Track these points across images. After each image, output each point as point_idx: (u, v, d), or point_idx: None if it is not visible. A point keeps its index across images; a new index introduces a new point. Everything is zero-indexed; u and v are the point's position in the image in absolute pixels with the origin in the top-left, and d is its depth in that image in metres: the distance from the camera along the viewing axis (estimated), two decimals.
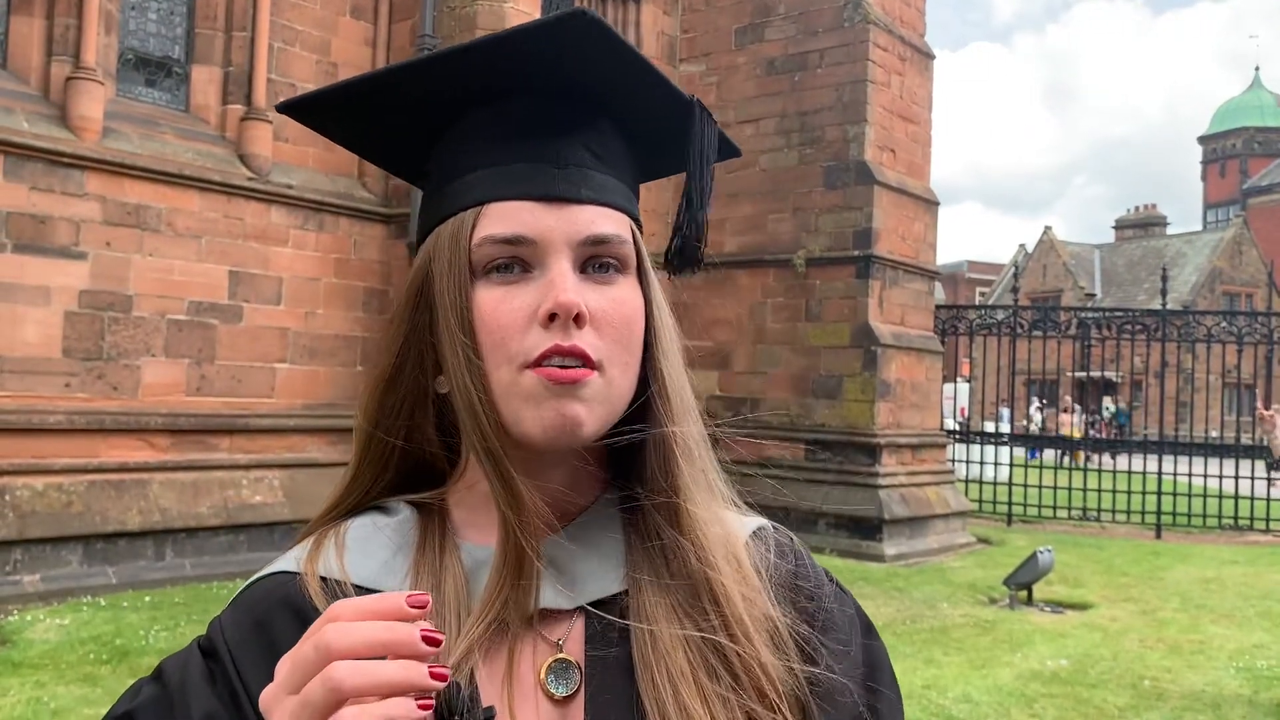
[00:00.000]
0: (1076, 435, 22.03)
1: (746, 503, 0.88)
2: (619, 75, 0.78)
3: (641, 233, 0.82)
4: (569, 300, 0.72)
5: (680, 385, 0.81)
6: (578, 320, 0.73)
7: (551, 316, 0.72)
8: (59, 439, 7.12)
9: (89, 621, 6.15)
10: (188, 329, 7.98)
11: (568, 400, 0.73)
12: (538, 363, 0.73)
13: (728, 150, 0.84)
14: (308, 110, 0.82)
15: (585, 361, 0.73)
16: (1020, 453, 19.45)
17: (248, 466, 8.15)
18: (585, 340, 0.73)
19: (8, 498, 6.78)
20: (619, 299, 0.76)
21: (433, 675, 0.57)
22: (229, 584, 7.34)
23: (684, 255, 0.84)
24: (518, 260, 0.75)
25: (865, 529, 10.18)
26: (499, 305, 0.74)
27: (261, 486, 8.17)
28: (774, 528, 0.88)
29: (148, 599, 6.78)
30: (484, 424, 0.74)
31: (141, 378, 7.70)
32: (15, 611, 6.32)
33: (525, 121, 0.78)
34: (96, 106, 7.54)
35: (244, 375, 8.34)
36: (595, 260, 0.76)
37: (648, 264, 0.81)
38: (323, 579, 0.76)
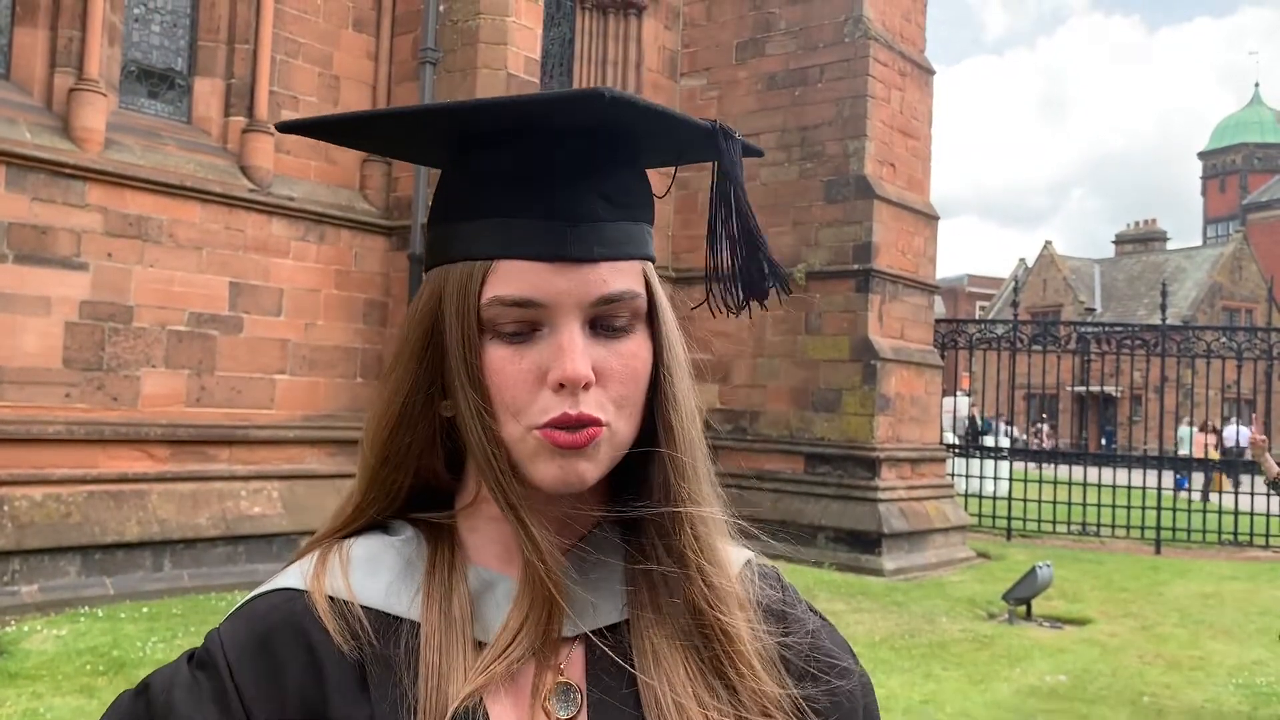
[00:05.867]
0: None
1: (745, 517, 0.88)
2: (641, 129, 0.78)
3: (653, 263, 0.81)
4: (578, 373, 0.72)
5: (690, 439, 0.80)
6: (585, 386, 0.73)
7: (560, 384, 0.73)
8: (58, 449, 7.12)
9: (86, 632, 6.14)
10: (188, 340, 7.99)
11: (573, 459, 0.74)
12: (544, 426, 0.73)
13: (750, 151, 0.83)
14: (314, 132, 0.83)
15: (593, 423, 0.74)
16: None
17: (247, 478, 8.14)
18: (591, 403, 0.73)
19: (6, 508, 6.77)
20: (628, 354, 0.76)
21: None
22: (227, 595, 7.32)
23: (752, 292, 0.82)
24: (526, 321, 0.74)
25: (864, 543, 10.16)
26: (507, 365, 0.74)
27: (260, 498, 8.16)
28: (756, 558, 0.90)
29: (145, 610, 6.77)
30: (501, 479, 0.75)
31: (141, 388, 7.70)
32: (13, 622, 6.31)
33: (537, 167, 0.76)
34: (99, 118, 7.56)
35: (244, 386, 8.34)
36: (604, 319, 0.75)
37: (660, 304, 0.80)
38: (330, 598, 0.76)
